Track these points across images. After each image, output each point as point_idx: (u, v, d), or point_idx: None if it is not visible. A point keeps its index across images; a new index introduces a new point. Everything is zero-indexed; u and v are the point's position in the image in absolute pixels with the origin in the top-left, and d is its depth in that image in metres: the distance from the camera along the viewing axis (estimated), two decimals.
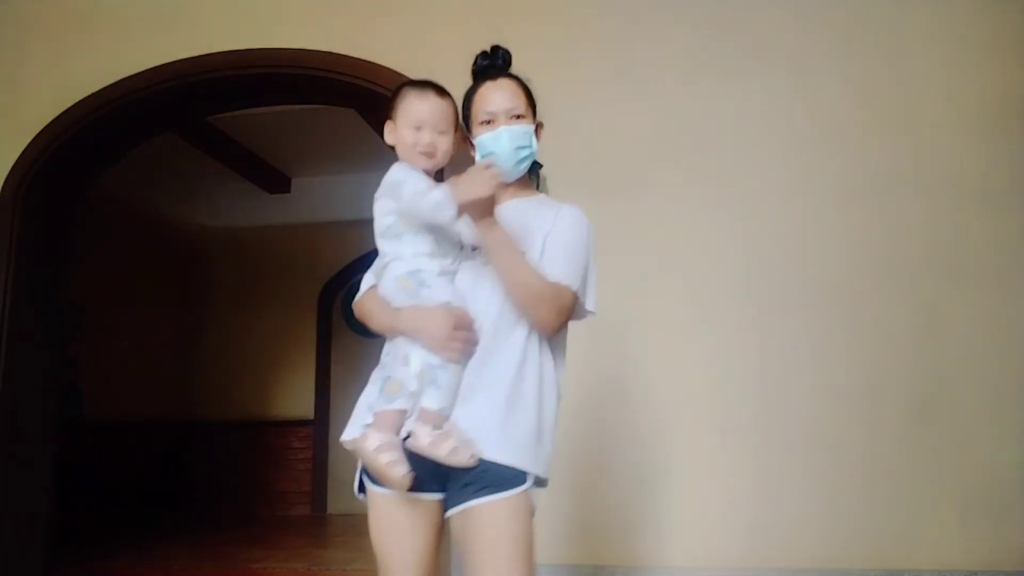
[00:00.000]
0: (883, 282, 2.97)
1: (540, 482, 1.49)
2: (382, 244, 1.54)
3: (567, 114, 2.69)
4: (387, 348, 1.57)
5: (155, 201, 6.24)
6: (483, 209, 1.44)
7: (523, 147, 1.58)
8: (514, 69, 1.66)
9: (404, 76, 3.33)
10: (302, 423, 6.92)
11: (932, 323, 2.92)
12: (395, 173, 1.52)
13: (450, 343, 1.43)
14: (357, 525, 6.09)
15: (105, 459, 5.57)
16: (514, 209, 1.59)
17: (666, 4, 3.30)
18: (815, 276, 3.01)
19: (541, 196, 1.68)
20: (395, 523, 1.49)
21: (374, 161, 5.65)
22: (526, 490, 1.44)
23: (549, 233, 1.54)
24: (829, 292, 2.99)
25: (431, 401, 1.43)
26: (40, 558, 3.61)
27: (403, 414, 1.45)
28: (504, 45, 1.68)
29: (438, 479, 1.47)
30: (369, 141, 5.20)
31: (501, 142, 1.56)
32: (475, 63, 1.66)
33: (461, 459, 1.39)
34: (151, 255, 6.44)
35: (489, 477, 1.42)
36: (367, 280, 1.65)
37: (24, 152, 3.63)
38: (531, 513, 1.46)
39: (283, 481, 6.83)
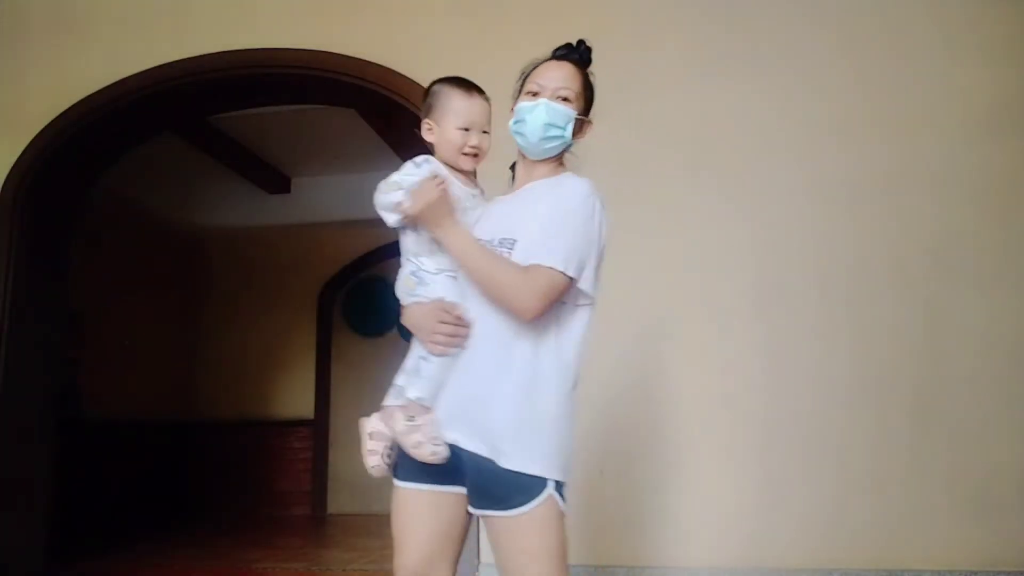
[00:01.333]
0: (889, 281, 2.96)
1: (559, 486, 1.45)
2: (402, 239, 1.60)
3: None
4: None
5: (155, 201, 6.23)
6: (437, 215, 1.48)
7: (555, 126, 1.55)
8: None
9: (404, 76, 3.33)
10: (302, 423, 6.92)
11: (937, 322, 2.92)
12: (404, 165, 1.55)
13: (433, 335, 1.46)
14: (357, 525, 6.11)
15: (105, 459, 5.56)
16: (526, 192, 1.60)
17: (672, 3, 3.30)
18: (822, 275, 3.01)
19: (562, 176, 1.60)
20: (410, 511, 1.54)
21: (374, 161, 5.67)
22: (548, 497, 1.41)
23: (536, 216, 1.49)
24: (835, 291, 2.99)
25: (412, 390, 1.48)
26: (40, 558, 3.61)
27: (398, 410, 1.50)
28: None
29: (459, 473, 1.49)
30: (369, 141, 5.21)
31: (536, 113, 1.55)
32: (555, 51, 1.65)
33: (423, 454, 1.45)
34: (151, 255, 6.44)
35: (503, 486, 1.41)
36: None
37: (24, 152, 3.63)
38: (559, 518, 1.43)
39: (283, 481, 6.83)
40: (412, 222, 1.52)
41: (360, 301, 7.26)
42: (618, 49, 3.27)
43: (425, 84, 3.19)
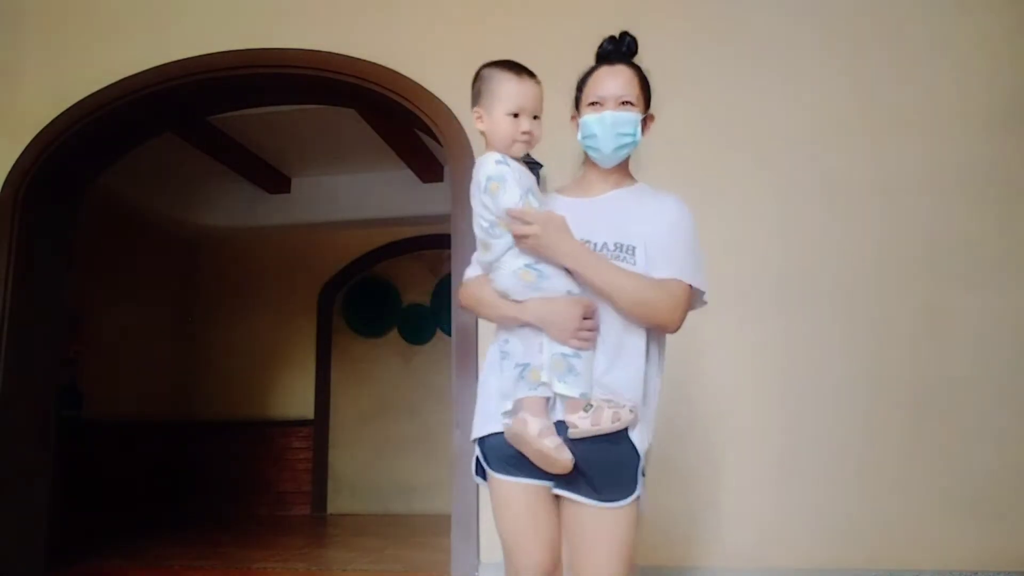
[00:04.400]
0: (886, 281, 2.96)
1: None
2: (487, 239, 1.53)
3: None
4: (506, 336, 1.56)
5: (155, 201, 6.22)
6: (562, 245, 1.47)
7: (625, 134, 1.59)
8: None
9: (404, 76, 3.33)
10: (302, 423, 6.92)
11: (935, 322, 2.92)
12: (492, 168, 1.50)
13: (580, 333, 1.45)
14: (357, 525, 6.11)
15: (105, 459, 5.57)
16: (617, 199, 1.62)
17: (673, 7, 3.30)
18: (818, 275, 3.01)
19: (641, 185, 1.68)
20: (525, 510, 1.52)
21: (374, 161, 5.68)
22: (637, 498, 1.51)
23: (653, 229, 1.55)
24: (833, 291, 2.99)
25: (572, 389, 1.44)
26: (40, 558, 3.61)
27: (547, 401, 1.47)
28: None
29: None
30: (369, 141, 5.21)
31: (604, 125, 1.58)
32: (601, 46, 1.67)
33: (624, 419, 1.44)
34: (151, 255, 6.44)
35: (607, 477, 1.47)
36: (472, 269, 1.68)
37: (24, 152, 3.63)
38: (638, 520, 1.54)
39: (283, 481, 6.83)
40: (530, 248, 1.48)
41: (360, 301, 7.26)
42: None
43: (425, 84, 3.24)
